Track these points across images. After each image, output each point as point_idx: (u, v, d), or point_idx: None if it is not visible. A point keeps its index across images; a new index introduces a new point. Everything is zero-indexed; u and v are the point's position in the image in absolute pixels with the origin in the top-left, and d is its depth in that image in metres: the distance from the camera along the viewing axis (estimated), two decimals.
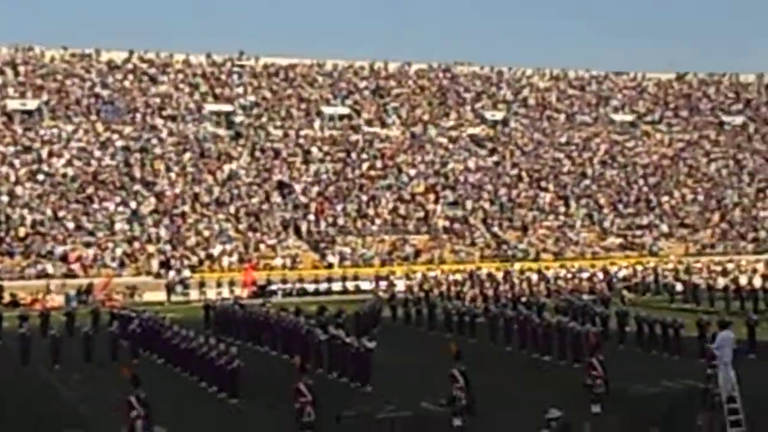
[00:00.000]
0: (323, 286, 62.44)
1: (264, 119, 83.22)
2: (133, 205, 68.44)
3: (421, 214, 73.84)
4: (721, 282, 55.76)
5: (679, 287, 57.39)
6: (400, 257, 68.26)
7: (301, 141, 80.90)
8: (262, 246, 67.06)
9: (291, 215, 71.27)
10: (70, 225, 65.16)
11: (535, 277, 59.40)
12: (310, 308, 42.95)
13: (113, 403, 24.24)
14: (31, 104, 77.31)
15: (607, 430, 19.06)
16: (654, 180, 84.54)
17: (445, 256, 68.92)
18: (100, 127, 76.74)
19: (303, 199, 73.21)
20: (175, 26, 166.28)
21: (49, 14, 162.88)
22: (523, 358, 35.46)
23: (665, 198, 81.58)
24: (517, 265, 64.59)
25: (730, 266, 62.61)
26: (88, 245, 63.60)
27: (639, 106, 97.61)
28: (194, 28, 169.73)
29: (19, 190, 67.68)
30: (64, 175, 70.25)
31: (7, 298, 56.62)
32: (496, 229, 73.65)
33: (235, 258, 65.10)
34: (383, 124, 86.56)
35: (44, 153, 72.16)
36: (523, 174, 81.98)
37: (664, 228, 77.13)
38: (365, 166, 79.03)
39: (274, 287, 61.13)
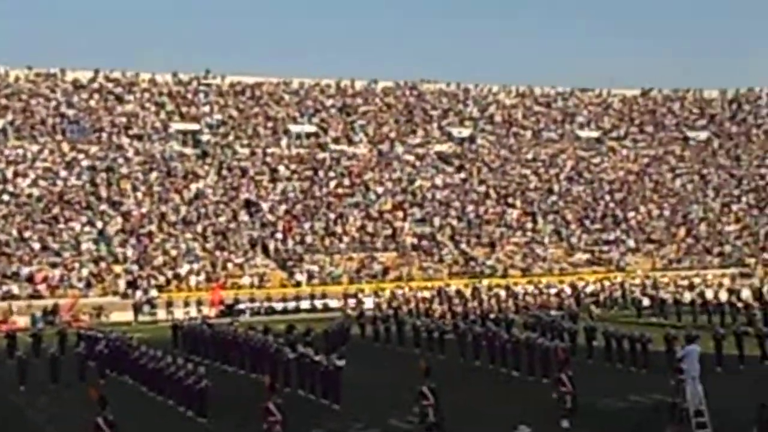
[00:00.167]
0: (291, 305, 62.29)
1: (231, 138, 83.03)
2: (99, 224, 68.08)
3: (389, 231, 73.87)
4: (688, 296, 56.12)
5: (646, 302, 57.64)
6: (369, 275, 68.22)
7: (268, 159, 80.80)
8: (229, 265, 66.83)
9: (258, 234, 71.11)
10: (36, 245, 64.70)
11: (503, 293, 59.60)
12: (278, 327, 42.83)
13: (80, 425, 24.05)
14: None
15: None
16: (620, 195, 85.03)
17: (413, 273, 68.95)
18: (65, 146, 76.31)
19: (270, 218, 73.08)
20: (141, 45, 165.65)
21: (14, 34, 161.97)
22: (492, 374, 35.49)
23: (631, 213, 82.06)
24: (486, 282, 64.77)
25: (696, 280, 63.03)
26: (54, 265, 63.15)
27: (604, 122, 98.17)
28: (160, 46, 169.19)
29: None
30: (30, 195, 69.79)
31: None
32: (464, 245, 73.78)
33: (202, 277, 64.85)
34: (350, 142, 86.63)
35: (9, 173, 71.68)
36: (491, 191, 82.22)
37: (631, 243, 77.55)
38: (333, 183, 79.02)
39: (242, 306, 60.94)
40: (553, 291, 60.52)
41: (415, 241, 73.15)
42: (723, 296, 54.70)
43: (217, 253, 67.81)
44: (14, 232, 65.37)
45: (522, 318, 48.12)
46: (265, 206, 74.31)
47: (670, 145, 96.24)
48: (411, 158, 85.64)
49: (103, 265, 64.28)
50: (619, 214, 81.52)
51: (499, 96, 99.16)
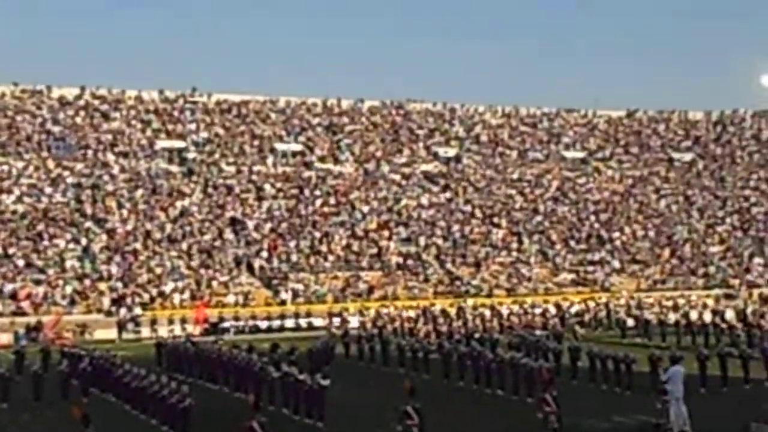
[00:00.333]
0: (276, 323, 62.17)
1: (217, 156, 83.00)
2: (84, 242, 67.86)
3: (375, 250, 73.85)
4: (672, 317, 56.17)
5: (630, 322, 57.74)
6: (354, 294, 68.13)
7: (254, 177, 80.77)
8: (214, 283, 66.67)
9: (244, 252, 71.01)
10: (20, 262, 64.43)
11: (488, 313, 59.50)
12: (262, 345, 42.74)
13: None
14: None
15: None
16: (605, 216, 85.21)
17: (398, 292, 68.90)
18: (51, 163, 76.14)
19: (256, 236, 73.00)
20: (127, 62, 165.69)
21: (0, 50, 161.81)
22: (477, 393, 35.48)
23: (616, 234, 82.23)
24: (471, 301, 64.74)
25: (680, 301, 63.10)
26: (38, 283, 62.90)
27: (590, 143, 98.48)
28: (146, 64, 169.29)
29: None
30: (14, 212, 69.54)
31: None
32: (449, 265, 73.80)
33: (187, 295, 64.67)
34: (336, 161, 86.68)
35: None
36: (476, 210, 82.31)
37: (616, 264, 77.67)
38: (318, 202, 79.02)
39: (226, 324, 60.76)
40: (537, 311, 60.44)
41: (401, 260, 73.13)
42: (707, 317, 54.81)
43: (202, 271, 67.64)
44: None
45: (507, 338, 48.15)
46: (250, 224, 74.23)
47: (655, 166, 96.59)
48: (397, 177, 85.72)
49: (87, 282, 64.05)
50: (604, 235, 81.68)
51: (485, 116, 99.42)
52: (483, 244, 77.32)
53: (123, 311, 61.21)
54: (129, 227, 70.52)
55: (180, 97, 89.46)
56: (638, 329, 55.59)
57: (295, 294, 66.87)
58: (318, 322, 61.64)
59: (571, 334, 51.11)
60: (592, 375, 36.64)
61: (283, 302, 65.85)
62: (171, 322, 59.43)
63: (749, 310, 57.77)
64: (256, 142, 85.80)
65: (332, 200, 79.70)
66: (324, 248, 72.87)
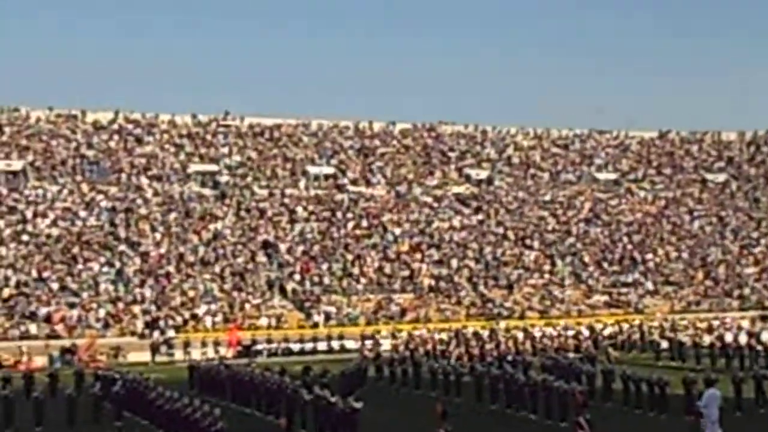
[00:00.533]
0: (308, 346, 62.04)
1: (249, 179, 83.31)
2: (117, 265, 68.21)
3: (407, 272, 73.76)
4: (707, 339, 55.70)
5: (664, 345, 57.27)
6: (386, 316, 68.05)
7: (287, 200, 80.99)
8: (247, 306, 66.78)
9: (276, 275, 71.11)
10: (55, 285, 64.81)
11: (520, 335, 59.18)
12: (295, 368, 42.67)
13: None
14: (16, 165, 77.27)
15: None
16: (638, 238, 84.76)
17: (430, 314, 68.73)
18: (85, 187, 76.67)
19: (288, 259, 73.09)
20: (160, 87, 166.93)
21: (35, 75, 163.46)
22: (509, 417, 35.26)
23: (649, 255, 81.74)
24: (503, 324, 64.46)
25: (715, 323, 62.54)
26: (72, 306, 63.21)
27: (622, 164, 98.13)
28: (180, 88, 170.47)
29: (3, 250, 67.34)
30: (49, 236, 70.01)
31: None
32: (481, 287, 73.58)
33: (219, 318, 64.79)
34: (368, 184, 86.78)
35: (29, 213, 71.97)
36: (508, 232, 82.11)
37: (649, 285, 77.19)
38: (350, 225, 79.08)
39: (259, 347, 60.76)
40: (570, 333, 60.14)
41: (433, 282, 73.00)
42: (742, 339, 54.22)
43: (235, 293, 67.80)
44: (33, 272, 65.51)
45: (539, 360, 47.85)
46: (282, 247, 74.37)
47: (688, 187, 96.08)
48: (429, 200, 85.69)
49: (120, 305, 64.31)
50: (637, 256, 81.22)
51: (516, 138, 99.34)
52: (515, 266, 77.07)
53: (156, 334, 61.41)
54: (162, 250, 70.81)
55: (213, 120, 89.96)
56: (672, 351, 55.14)
57: (328, 316, 66.85)
58: (350, 344, 61.48)
59: (604, 356, 50.72)
60: (626, 398, 36.37)
61: (315, 325, 65.84)
62: (204, 344, 59.52)
63: None
64: (288, 165, 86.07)
65: (364, 223, 79.75)
66: (356, 271, 72.86)
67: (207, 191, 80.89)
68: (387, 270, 73.65)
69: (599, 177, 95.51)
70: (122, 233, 72.00)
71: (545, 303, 72.42)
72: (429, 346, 56.49)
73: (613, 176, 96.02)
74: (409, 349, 54.60)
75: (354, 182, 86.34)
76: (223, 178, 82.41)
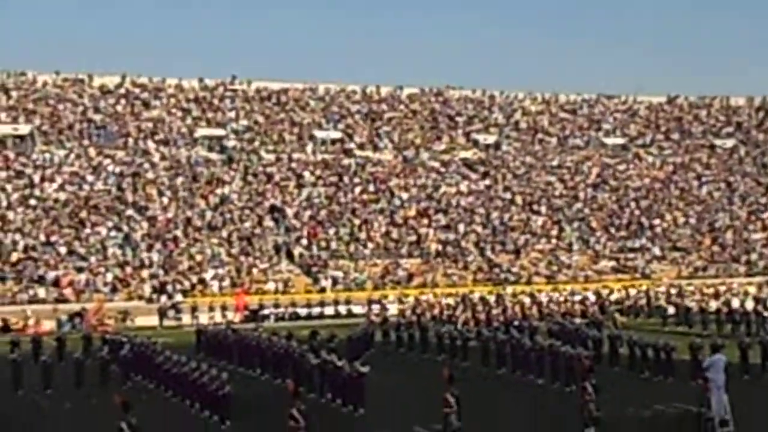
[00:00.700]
0: (316, 311, 62.17)
1: (256, 143, 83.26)
2: (125, 229, 68.34)
3: (414, 237, 73.81)
4: (714, 305, 55.72)
5: (671, 310, 57.35)
6: (393, 281, 68.16)
7: (294, 165, 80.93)
8: (254, 270, 66.91)
9: (283, 239, 71.22)
10: (62, 250, 64.98)
11: (527, 300, 59.31)
12: (302, 333, 42.78)
13: (104, 429, 24.08)
14: (24, 129, 77.25)
15: None
16: (646, 203, 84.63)
17: (437, 279, 68.83)
18: (92, 151, 76.68)
19: (295, 223, 73.17)
20: (167, 51, 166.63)
21: (42, 39, 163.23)
22: (516, 381, 35.36)
23: (657, 221, 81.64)
24: (510, 289, 64.58)
25: (722, 289, 62.59)
26: (80, 270, 63.42)
27: (630, 130, 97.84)
28: (187, 52, 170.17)
29: (11, 215, 67.52)
30: (56, 200, 70.13)
31: None
32: (488, 252, 73.60)
33: (227, 282, 64.96)
34: (375, 148, 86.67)
35: (36, 178, 72.07)
36: (516, 197, 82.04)
37: (656, 251, 77.15)
38: (357, 190, 79.06)
39: (266, 312, 60.99)
40: (577, 298, 60.22)
41: (440, 247, 73.05)
42: (749, 305, 54.33)
43: (242, 258, 67.92)
44: (41, 237, 65.69)
45: (546, 325, 47.91)
46: (290, 212, 74.40)
47: (696, 152, 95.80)
48: (436, 164, 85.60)
49: (128, 269, 64.50)
50: (644, 222, 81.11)
51: (524, 103, 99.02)
52: (522, 232, 77.06)
53: (164, 298, 61.60)
54: (170, 215, 70.90)
55: (220, 85, 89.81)
56: (679, 317, 55.23)
57: (335, 281, 66.98)
58: (357, 309, 61.61)
59: (611, 321, 50.73)
60: (632, 363, 36.43)
61: (322, 289, 65.97)
62: (211, 309, 59.63)
63: None
64: (295, 130, 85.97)
65: (371, 188, 79.73)
66: (363, 236, 72.92)
67: (214, 156, 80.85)
68: (394, 235, 73.71)
69: (607, 142, 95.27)
70: (129, 197, 72.08)
71: (552, 268, 72.46)
72: (436, 311, 56.62)
73: (621, 141, 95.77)
74: (415, 314, 54.76)
75: (361, 147, 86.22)
76: (230, 143, 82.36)
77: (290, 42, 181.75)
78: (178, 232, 69.14)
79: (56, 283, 61.80)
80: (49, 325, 55.71)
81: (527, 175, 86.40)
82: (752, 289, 63.22)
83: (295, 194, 77.02)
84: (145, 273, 64.30)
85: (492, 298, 59.93)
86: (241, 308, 61.05)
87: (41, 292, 60.64)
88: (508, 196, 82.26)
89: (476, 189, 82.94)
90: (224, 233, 70.26)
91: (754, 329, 47.25)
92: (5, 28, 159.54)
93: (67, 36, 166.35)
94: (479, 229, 76.59)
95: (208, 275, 65.05)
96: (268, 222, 73.03)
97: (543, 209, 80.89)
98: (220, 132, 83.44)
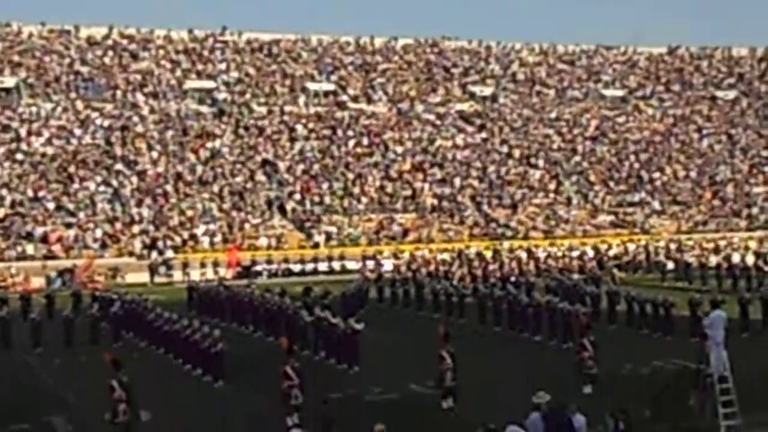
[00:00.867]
0: (309, 267, 62.37)
1: (247, 96, 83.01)
2: (114, 184, 68.29)
3: (409, 192, 73.83)
4: (714, 260, 55.98)
5: (670, 265, 57.62)
6: (388, 236, 68.29)
7: (286, 118, 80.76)
8: (246, 226, 66.99)
9: (276, 194, 71.22)
10: (50, 205, 64.98)
11: (524, 255, 59.57)
12: (295, 289, 42.98)
13: (95, 387, 24.21)
14: (9, 82, 76.91)
15: (598, 412, 19.14)
16: (645, 156, 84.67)
17: (433, 235, 68.97)
18: (80, 104, 76.43)
19: (288, 178, 73.14)
20: (156, 1, 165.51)
21: None
22: (513, 338, 35.55)
23: (657, 174, 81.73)
24: (507, 244, 64.74)
25: (722, 244, 62.82)
26: (68, 226, 63.43)
27: (630, 81, 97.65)
28: (176, 2, 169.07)
29: None
30: (44, 155, 70.00)
31: None
32: (485, 207, 73.70)
33: (218, 238, 65.05)
34: (369, 101, 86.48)
35: (23, 132, 71.87)
36: (513, 151, 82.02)
37: (656, 205, 77.30)
38: (351, 143, 78.96)
39: (259, 268, 61.08)
40: (575, 254, 60.42)
41: (435, 202, 73.12)
42: (750, 260, 54.59)
43: (234, 213, 67.97)
44: (28, 192, 65.66)
45: (543, 281, 48.19)
46: (282, 166, 74.36)
47: (697, 104, 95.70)
48: (431, 117, 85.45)
49: (118, 225, 64.54)
50: (644, 175, 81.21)
51: (521, 54, 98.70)
52: (519, 186, 77.11)
53: (154, 255, 61.71)
54: (159, 169, 70.84)
55: (210, 36, 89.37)
56: (678, 272, 55.52)
57: (329, 237, 67.10)
58: (351, 265, 61.74)
59: (609, 277, 51.04)
60: (630, 319, 36.65)
61: (316, 245, 66.10)
62: (203, 265, 59.79)
63: None
64: (287, 82, 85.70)
65: (365, 141, 79.63)
66: (357, 190, 72.93)
67: (204, 108, 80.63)
68: (389, 189, 73.73)
69: (606, 94, 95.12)
70: (118, 152, 71.95)
71: (550, 223, 72.61)
72: (431, 267, 56.77)
73: (620, 93, 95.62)
74: (411, 270, 54.85)
75: (355, 99, 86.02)
76: (221, 95, 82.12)
77: None
78: (169, 187, 69.10)
79: (44, 239, 61.84)
80: (37, 282, 55.86)
81: (524, 128, 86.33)
82: (753, 244, 63.54)
83: (288, 148, 76.92)
84: (135, 229, 64.35)
85: (488, 254, 60.20)
86: (233, 264, 61.17)
87: (29, 249, 60.70)
88: (504, 149, 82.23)
89: (472, 142, 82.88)
90: (215, 188, 70.24)
91: (754, 284, 47.44)
92: None
93: None
94: (475, 183, 76.64)
95: (199, 231, 65.13)
96: (260, 176, 72.98)
97: (540, 163, 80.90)
98: (210, 84, 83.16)
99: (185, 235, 64.67)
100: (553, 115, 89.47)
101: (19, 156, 69.23)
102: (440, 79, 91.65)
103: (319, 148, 77.48)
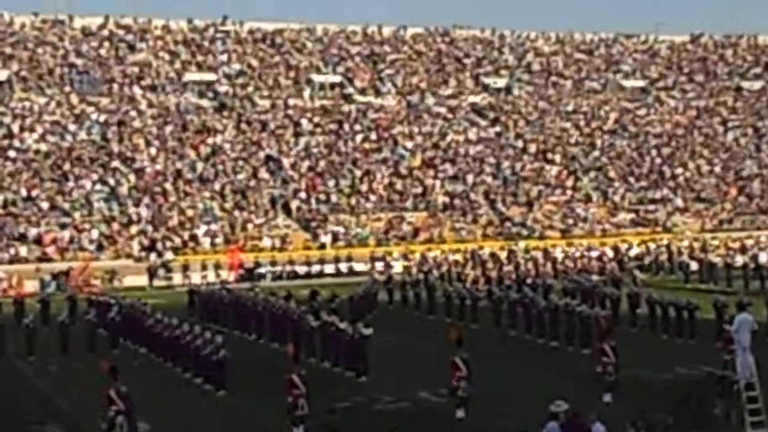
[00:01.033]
0: (315, 269, 62.39)
1: (250, 89, 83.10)
2: (111, 182, 68.43)
3: (419, 189, 73.88)
4: (740, 260, 55.97)
5: (694, 266, 57.51)
6: (397, 236, 68.35)
7: (290, 112, 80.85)
8: (249, 226, 67.09)
9: (280, 192, 71.31)
10: (44, 205, 65.14)
11: (540, 256, 59.59)
12: (301, 292, 43.04)
13: (92, 397, 24.32)
14: (1, 75, 77.09)
15: (618, 420, 19.18)
16: (667, 150, 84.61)
17: (444, 234, 69.01)
18: (74, 99, 76.57)
19: (292, 175, 73.23)
20: None
21: None
22: (529, 343, 35.59)
23: (679, 170, 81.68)
24: (522, 244, 64.74)
25: (749, 243, 62.72)
26: (63, 226, 63.57)
27: (651, 71, 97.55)
28: None
29: None
30: (37, 152, 70.17)
31: None
32: (499, 205, 73.73)
33: (220, 239, 65.16)
34: (377, 93, 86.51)
35: (15, 127, 72.05)
36: (528, 145, 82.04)
37: (679, 202, 77.26)
38: (359, 138, 79.04)
39: (262, 270, 61.24)
40: (594, 254, 60.50)
41: (447, 200, 73.16)
42: None
43: (236, 213, 68.07)
44: (22, 191, 65.82)
45: (561, 283, 48.15)
46: (286, 162, 74.45)
47: (721, 95, 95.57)
48: (443, 110, 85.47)
49: (115, 226, 64.69)
50: (666, 171, 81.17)
51: (537, 43, 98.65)
52: (535, 182, 77.14)
53: (153, 257, 61.82)
54: (158, 167, 70.99)
55: (210, 26, 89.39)
56: (702, 273, 55.38)
57: (335, 237, 67.18)
58: (359, 267, 61.88)
59: (630, 279, 50.93)
60: (653, 323, 36.65)
61: (322, 246, 66.17)
62: (204, 267, 59.87)
63: None
64: (291, 74, 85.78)
65: (373, 136, 79.71)
66: (365, 188, 73.00)
67: (205, 102, 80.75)
68: (398, 186, 73.79)
69: (626, 85, 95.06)
70: (115, 148, 72.10)
71: (567, 221, 72.63)
72: (443, 269, 56.86)
73: (640, 84, 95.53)
74: (422, 272, 54.95)
75: (362, 92, 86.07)
76: (222, 88, 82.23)
77: None
78: (168, 185, 69.23)
79: (38, 240, 62.00)
80: (31, 285, 55.99)
81: (540, 122, 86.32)
82: None
83: (292, 143, 77.02)
84: (133, 229, 64.49)
85: (503, 254, 60.15)
86: (236, 266, 61.26)
87: (23, 251, 60.86)
88: (519, 144, 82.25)
89: (486, 136, 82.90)
90: (217, 186, 70.36)
91: None
92: None
93: None
94: (489, 179, 76.68)
95: (200, 231, 65.26)
96: (264, 174, 73.08)
97: (557, 158, 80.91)
98: (210, 77, 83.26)
99: (185, 235, 64.80)
100: (570, 107, 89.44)
101: (11, 153, 69.40)
102: (452, 70, 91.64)
103: (324, 143, 77.56)
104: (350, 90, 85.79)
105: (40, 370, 32.76)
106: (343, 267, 62.81)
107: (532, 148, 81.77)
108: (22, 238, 62.06)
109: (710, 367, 26.57)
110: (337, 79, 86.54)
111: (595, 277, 51.05)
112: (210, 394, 27.97)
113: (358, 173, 74.39)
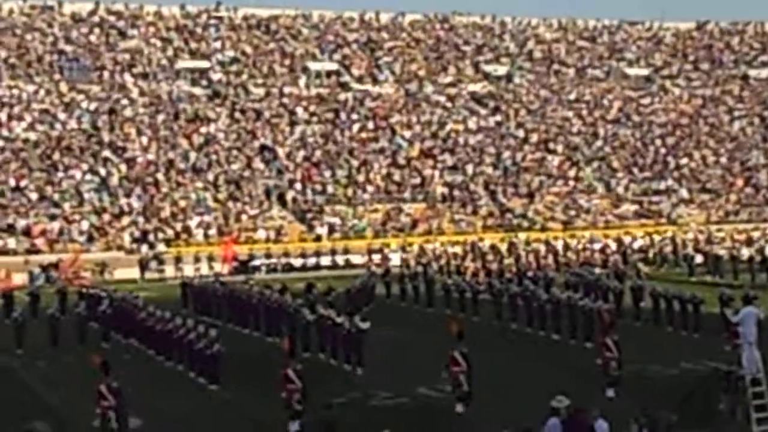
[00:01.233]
0: (311, 261, 62.40)
1: (244, 77, 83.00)
2: (101, 172, 68.37)
3: (418, 180, 73.87)
4: (746, 252, 55.93)
5: (699, 258, 57.50)
6: (395, 228, 68.34)
7: (285, 100, 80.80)
8: (243, 217, 67.08)
9: (275, 182, 71.30)
10: (33, 196, 65.10)
11: (542, 248, 59.57)
12: (296, 285, 43.09)
13: (82, 392, 24.34)
14: None
15: (621, 416, 19.23)
16: (672, 140, 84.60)
17: (444, 226, 69.01)
18: (64, 87, 76.46)
19: (288, 165, 73.20)
20: None
21: None
22: (530, 337, 35.63)
23: (684, 160, 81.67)
24: (523, 236, 64.75)
25: (755, 235, 62.77)
26: (53, 218, 63.54)
27: (655, 59, 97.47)
28: None
29: None
30: (26, 141, 70.10)
31: None
32: (499, 196, 73.73)
33: (213, 230, 65.14)
34: (375, 81, 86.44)
35: (3, 116, 71.94)
36: (529, 135, 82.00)
37: (684, 193, 77.25)
38: (356, 127, 79.00)
39: (257, 262, 61.24)
40: (597, 246, 60.51)
41: (446, 191, 73.15)
42: None
43: (230, 204, 68.07)
44: (9, 181, 65.75)
45: (563, 276, 48.18)
46: (281, 152, 74.42)
47: (727, 84, 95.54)
48: (442, 99, 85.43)
49: (106, 217, 64.65)
50: (670, 161, 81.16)
51: (538, 30, 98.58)
52: (537, 173, 77.11)
53: (145, 248, 61.81)
54: (150, 156, 70.93)
55: (203, 12, 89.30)
56: (708, 266, 55.39)
57: (332, 229, 67.16)
58: (356, 259, 61.91)
59: (633, 271, 50.96)
60: (656, 316, 36.70)
61: (318, 238, 66.18)
62: (197, 260, 59.86)
63: None
64: (287, 62, 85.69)
65: (371, 125, 79.66)
66: (362, 178, 72.98)
67: (198, 90, 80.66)
68: (396, 177, 73.77)
69: (630, 73, 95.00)
70: (106, 137, 72.02)
71: (569, 213, 72.63)
72: (442, 261, 56.89)
73: (645, 72, 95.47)
74: (420, 264, 54.92)
75: (359, 80, 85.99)
76: (216, 76, 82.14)
77: None
78: (160, 176, 69.19)
79: (27, 232, 61.97)
80: (20, 278, 55.93)
81: (542, 110, 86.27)
82: None
83: (287, 133, 76.97)
84: (124, 220, 64.46)
85: (504, 247, 60.20)
86: (230, 259, 61.24)
87: (11, 243, 60.82)
88: (520, 133, 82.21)
89: (486, 126, 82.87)
90: (210, 176, 70.33)
91: None
92: None
93: None
94: (489, 170, 76.67)
95: (192, 223, 65.24)
96: (258, 164, 73.08)
97: (559, 148, 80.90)
98: (204, 64, 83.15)
99: (178, 227, 64.77)
100: (572, 96, 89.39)
101: None
102: (451, 57, 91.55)
103: (321, 132, 77.52)
104: (347, 78, 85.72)
105: (29, 364, 32.76)
106: (340, 259, 62.76)
107: (534, 137, 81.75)
108: (11, 229, 62.00)
109: (715, 361, 26.59)
110: (334, 66, 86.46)
111: (597, 270, 50.97)
112: (203, 389, 27.99)
113: (355, 163, 74.38)
